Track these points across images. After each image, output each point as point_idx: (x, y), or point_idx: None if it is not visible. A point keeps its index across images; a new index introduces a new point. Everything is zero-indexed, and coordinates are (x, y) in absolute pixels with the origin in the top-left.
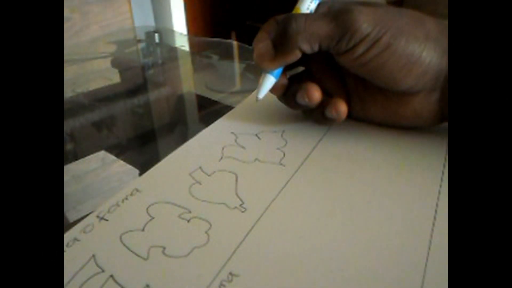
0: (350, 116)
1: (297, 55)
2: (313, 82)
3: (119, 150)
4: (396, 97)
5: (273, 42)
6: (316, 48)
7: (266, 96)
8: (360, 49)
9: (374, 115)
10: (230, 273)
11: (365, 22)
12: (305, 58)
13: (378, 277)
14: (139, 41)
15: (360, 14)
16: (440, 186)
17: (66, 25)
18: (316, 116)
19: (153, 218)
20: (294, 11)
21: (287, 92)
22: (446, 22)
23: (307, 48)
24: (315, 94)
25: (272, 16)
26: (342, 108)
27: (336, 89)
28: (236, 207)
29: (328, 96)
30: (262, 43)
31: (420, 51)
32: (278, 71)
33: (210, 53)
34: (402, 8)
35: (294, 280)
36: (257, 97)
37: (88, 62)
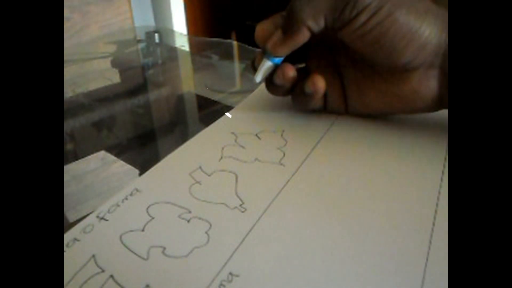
0: (348, 111)
1: (305, 35)
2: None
3: (119, 150)
4: (394, 76)
5: (282, 29)
6: (321, 23)
7: (265, 96)
8: (362, 18)
9: (373, 102)
10: (230, 273)
11: None
12: (303, 55)
13: (378, 277)
14: (139, 41)
15: None
16: (440, 186)
17: (66, 25)
18: (297, 97)
19: (153, 218)
20: None
21: (271, 80)
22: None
23: (313, 24)
24: (289, 72)
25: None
26: (320, 83)
27: (332, 84)
28: (236, 207)
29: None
30: (265, 26)
31: (421, 23)
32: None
33: (210, 53)
34: None
35: (294, 280)
36: (255, 80)
37: (88, 62)
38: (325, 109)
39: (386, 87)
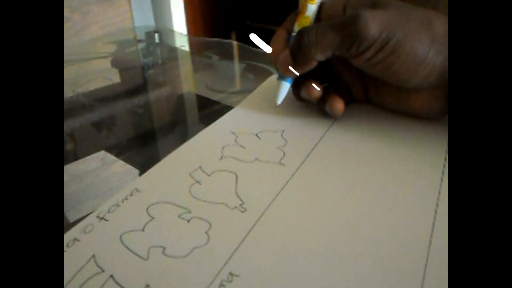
0: (368, 102)
1: (313, 65)
2: (331, 72)
3: (119, 150)
4: (407, 91)
5: (291, 53)
6: (330, 55)
7: (265, 96)
8: (368, 54)
9: (389, 104)
10: (230, 273)
11: (372, 29)
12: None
13: (378, 277)
14: (139, 41)
15: (367, 21)
16: (440, 186)
17: (66, 25)
18: (320, 109)
19: (153, 218)
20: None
21: (295, 87)
22: None
23: (321, 58)
24: (315, 91)
25: (272, 17)
26: (339, 105)
27: (354, 78)
28: (236, 207)
29: (345, 84)
30: (277, 46)
31: (425, 55)
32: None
33: (210, 53)
34: (411, 8)
35: (294, 280)
36: (276, 103)
37: (88, 62)
38: (353, 101)
39: (400, 97)
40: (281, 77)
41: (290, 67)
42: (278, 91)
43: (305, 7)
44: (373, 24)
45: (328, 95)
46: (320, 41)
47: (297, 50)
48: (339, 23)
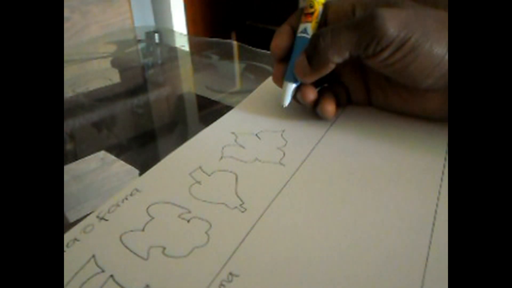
0: (370, 104)
1: (330, 67)
2: (330, 74)
3: (119, 150)
4: (418, 92)
5: (307, 58)
6: (347, 56)
7: (265, 96)
8: (386, 53)
9: (396, 106)
10: (230, 273)
11: (390, 27)
12: None
13: (378, 277)
14: (139, 41)
15: (385, 19)
16: (440, 186)
17: (66, 25)
18: (315, 112)
19: (153, 218)
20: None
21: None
22: None
23: (338, 59)
24: (310, 95)
25: (272, 17)
26: (329, 108)
27: (355, 81)
28: (236, 207)
29: (344, 86)
30: (280, 39)
31: (443, 54)
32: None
33: (210, 53)
34: (426, 8)
35: (294, 280)
36: (282, 105)
37: (88, 62)
38: (350, 103)
39: (410, 99)
40: (289, 79)
41: (307, 72)
42: (285, 92)
43: (318, 9)
44: (391, 22)
45: (321, 97)
46: (336, 42)
47: (313, 53)
48: (355, 22)
